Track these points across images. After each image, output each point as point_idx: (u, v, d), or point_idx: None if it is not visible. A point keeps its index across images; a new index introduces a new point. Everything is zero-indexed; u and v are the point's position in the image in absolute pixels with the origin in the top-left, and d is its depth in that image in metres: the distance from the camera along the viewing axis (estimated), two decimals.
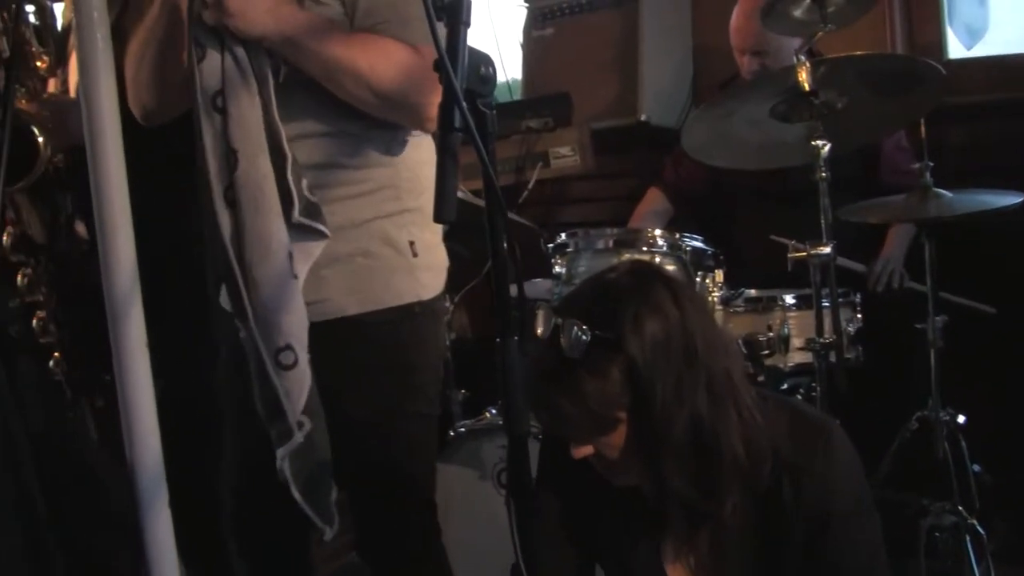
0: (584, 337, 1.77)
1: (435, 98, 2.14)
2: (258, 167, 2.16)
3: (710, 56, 4.80)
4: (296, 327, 2.18)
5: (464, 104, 1.53)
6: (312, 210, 2.20)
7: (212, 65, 2.19)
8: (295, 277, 2.18)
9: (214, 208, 2.18)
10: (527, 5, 5.02)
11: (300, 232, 2.20)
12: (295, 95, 2.26)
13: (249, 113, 2.17)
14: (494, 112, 1.64)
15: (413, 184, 2.43)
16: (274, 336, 2.17)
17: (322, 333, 2.27)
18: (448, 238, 2.61)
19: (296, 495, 2.22)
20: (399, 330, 2.40)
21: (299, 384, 2.18)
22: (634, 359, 1.78)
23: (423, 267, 2.44)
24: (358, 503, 2.50)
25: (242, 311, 2.18)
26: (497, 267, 1.65)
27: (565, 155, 4.47)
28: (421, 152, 2.46)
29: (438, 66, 1.56)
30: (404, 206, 2.41)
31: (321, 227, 2.21)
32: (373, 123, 2.33)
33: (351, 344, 2.36)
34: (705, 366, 1.83)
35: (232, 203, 2.17)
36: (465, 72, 1.57)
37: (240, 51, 2.19)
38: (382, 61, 2.21)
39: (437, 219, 1.52)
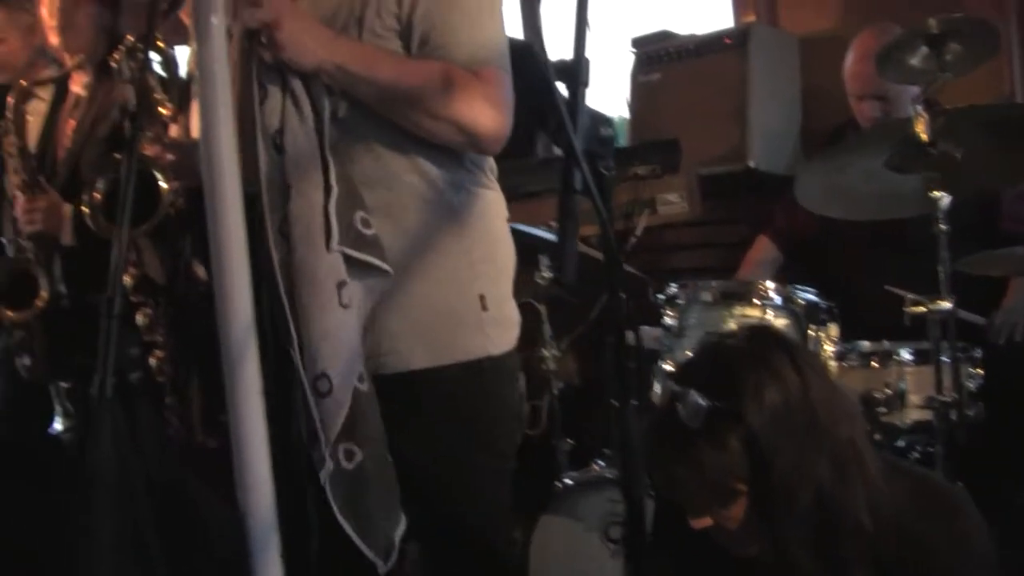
0: (703, 407, 1.74)
1: (497, 119, 2.24)
2: (311, 201, 2.21)
3: (819, 101, 4.76)
4: (335, 356, 2.20)
5: (585, 165, 1.51)
6: (362, 242, 2.23)
7: (273, 105, 2.25)
8: (344, 307, 2.20)
9: (268, 240, 2.23)
10: (635, 51, 4.99)
11: (359, 269, 2.23)
12: (360, 137, 2.31)
13: (305, 148, 2.22)
14: (613, 173, 1.62)
15: (483, 236, 2.44)
16: (314, 363, 2.20)
17: (389, 385, 2.29)
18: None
19: (340, 520, 2.23)
20: (467, 385, 2.39)
21: (334, 413, 2.20)
22: (754, 429, 1.74)
23: (493, 322, 2.43)
24: (428, 555, 2.51)
25: (288, 338, 2.21)
26: (616, 336, 1.63)
27: (673, 202, 4.43)
28: (491, 205, 2.48)
29: (556, 126, 1.54)
30: (473, 259, 2.40)
31: (374, 260, 2.23)
32: (439, 167, 2.35)
33: (418, 397, 2.37)
34: (827, 434, 1.79)
35: (286, 235, 2.22)
36: (585, 133, 1.55)
37: (298, 85, 2.24)
38: (438, 83, 2.24)
39: (560, 280, 1.52)
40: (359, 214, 2.23)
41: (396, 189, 2.33)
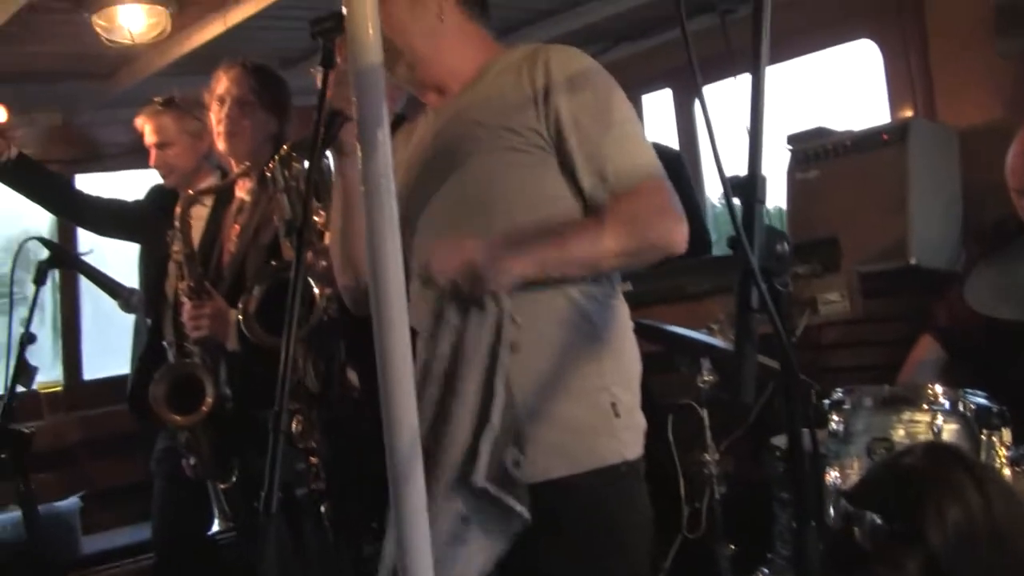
0: (881, 529, 1.66)
1: (679, 225, 2.30)
2: (462, 424, 2.22)
3: (981, 195, 4.62)
4: None
5: (762, 283, 1.47)
6: (508, 481, 2.21)
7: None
8: (462, 543, 2.21)
9: None
10: (791, 148, 4.93)
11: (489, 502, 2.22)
12: None
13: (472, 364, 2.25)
14: (790, 289, 1.57)
15: (614, 346, 2.45)
16: None
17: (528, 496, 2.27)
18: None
19: None
20: (606, 491, 2.39)
21: None
22: (935, 553, 1.66)
23: (625, 427, 2.44)
24: None
25: None
26: (793, 444, 1.57)
27: (833, 301, 4.33)
28: (620, 314, 2.50)
29: (733, 242, 1.51)
30: (604, 368, 2.42)
31: (514, 505, 2.22)
32: (581, 285, 2.40)
33: (557, 506, 2.34)
34: (1010, 549, 1.69)
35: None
36: (761, 250, 1.51)
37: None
38: (625, 228, 2.31)
39: (737, 399, 1.47)
40: (512, 452, 2.22)
41: (542, 316, 2.36)
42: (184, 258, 3.74)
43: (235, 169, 3.81)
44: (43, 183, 4.58)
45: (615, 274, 2.51)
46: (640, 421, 2.52)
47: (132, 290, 3.85)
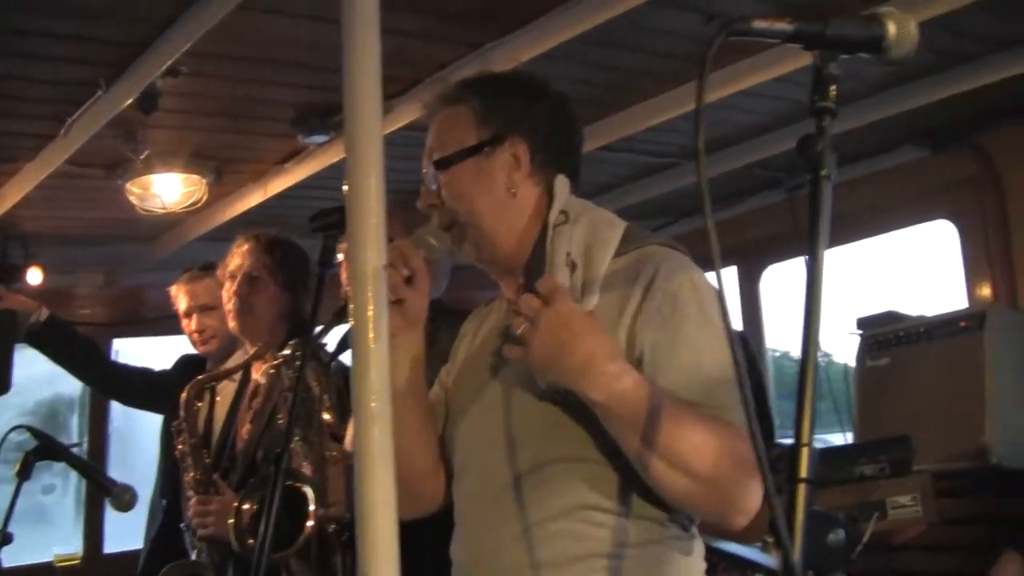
0: None
1: (754, 488, 1.82)
2: None
3: None
4: None
5: None
6: None
7: None
8: None
9: None
10: (861, 333, 4.63)
11: None
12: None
13: None
14: None
15: None
16: None
17: None
18: None
19: None
20: None
21: None
22: None
23: None
24: None
25: None
26: None
27: (905, 505, 3.98)
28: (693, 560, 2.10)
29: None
30: None
31: None
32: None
33: None
34: None
35: None
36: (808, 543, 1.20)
37: None
38: (708, 442, 1.85)
39: None
40: None
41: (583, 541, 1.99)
42: (190, 449, 3.52)
43: (249, 350, 3.59)
44: (72, 348, 4.42)
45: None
46: None
47: (125, 487, 3.60)
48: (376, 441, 1.89)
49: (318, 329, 2.42)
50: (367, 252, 1.98)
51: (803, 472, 1.23)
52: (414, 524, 2.04)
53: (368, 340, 1.93)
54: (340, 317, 2.38)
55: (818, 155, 1.32)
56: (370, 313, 1.94)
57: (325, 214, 2.28)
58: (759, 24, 1.31)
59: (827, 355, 5.50)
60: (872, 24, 1.37)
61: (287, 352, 3.04)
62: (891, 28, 1.38)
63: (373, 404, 1.89)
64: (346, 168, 2.06)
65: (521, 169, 2.14)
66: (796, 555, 1.19)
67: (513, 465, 2.04)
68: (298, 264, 3.76)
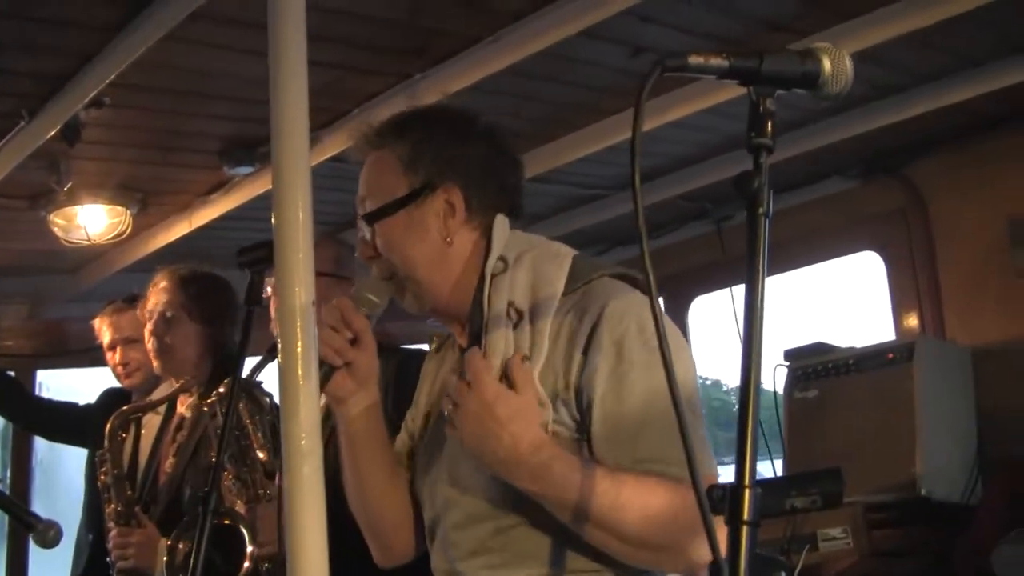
0: None
1: (701, 540, 1.76)
2: None
3: (998, 420, 4.35)
4: None
5: None
6: None
7: None
8: None
9: None
10: (788, 364, 4.64)
11: None
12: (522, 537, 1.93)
13: None
14: None
15: None
16: None
17: None
18: None
19: None
20: None
21: None
22: None
23: None
24: None
25: None
26: None
27: (836, 537, 4.00)
28: None
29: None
30: None
31: None
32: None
33: None
34: None
35: None
36: None
37: None
38: (650, 512, 1.81)
39: None
40: None
41: None
42: (112, 480, 3.47)
43: (175, 383, 3.53)
44: None
45: None
46: None
47: (49, 523, 3.50)
48: (307, 479, 1.86)
49: (251, 366, 2.36)
50: (295, 288, 1.95)
51: (746, 514, 1.21)
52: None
53: (297, 377, 1.90)
54: (274, 353, 2.33)
55: (755, 192, 1.30)
56: (299, 349, 1.92)
57: (252, 249, 2.23)
58: (695, 60, 1.29)
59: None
60: (807, 60, 1.36)
61: (222, 390, 2.99)
62: (826, 64, 1.36)
63: (303, 442, 1.86)
64: (272, 203, 2.02)
65: (456, 216, 2.05)
66: None
67: (476, 533, 1.98)
68: (219, 298, 3.71)
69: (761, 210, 1.30)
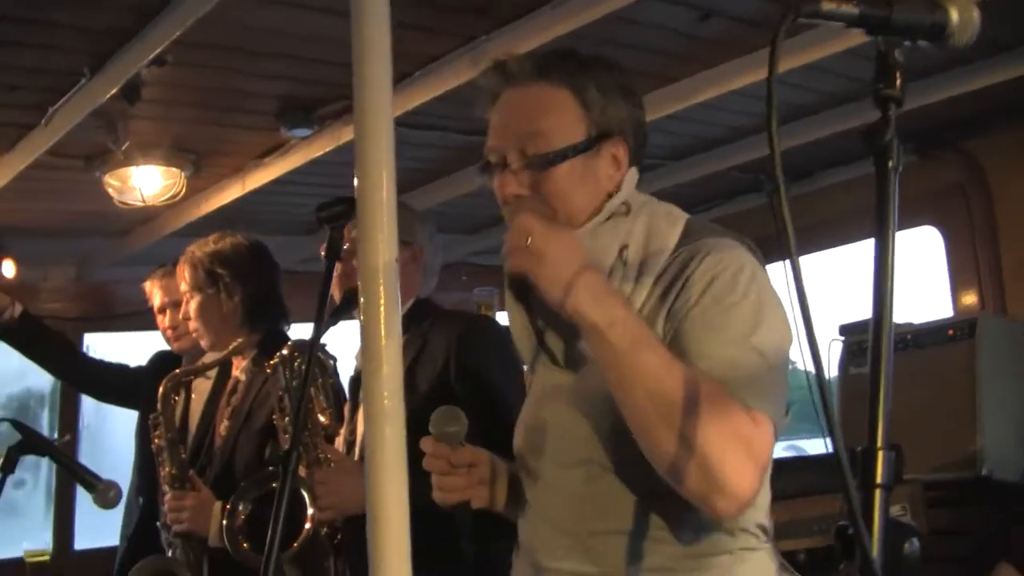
0: None
1: (749, 480, 1.75)
2: None
3: None
4: None
5: None
6: None
7: None
8: None
9: None
10: (843, 339, 4.57)
11: None
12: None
13: None
14: None
15: None
16: None
17: None
18: None
19: None
20: None
21: None
22: None
23: None
24: None
25: None
26: None
27: (896, 516, 3.93)
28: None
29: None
30: None
31: None
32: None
33: None
34: None
35: None
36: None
37: None
38: (711, 410, 1.73)
39: None
40: None
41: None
42: (167, 443, 3.47)
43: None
44: (45, 344, 4.39)
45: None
46: None
47: (110, 484, 3.50)
48: (388, 440, 1.82)
49: (315, 329, 2.33)
50: (378, 245, 1.91)
51: (879, 478, 1.17)
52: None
53: (380, 336, 1.86)
54: (341, 313, 2.29)
55: (886, 146, 1.26)
56: (381, 307, 1.87)
57: (331, 204, 2.19)
58: (827, 6, 1.24)
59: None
60: (936, 10, 1.31)
61: (284, 352, 2.96)
62: (954, 14, 1.32)
63: (386, 401, 1.82)
64: (355, 160, 1.99)
65: (620, 170, 2.01)
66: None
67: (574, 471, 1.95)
68: (245, 265, 3.70)
69: (891, 164, 1.26)
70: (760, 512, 1.96)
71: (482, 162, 2.02)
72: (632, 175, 2.03)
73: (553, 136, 1.95)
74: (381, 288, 1.88)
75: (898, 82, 1.29)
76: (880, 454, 1.18)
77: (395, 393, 1.83)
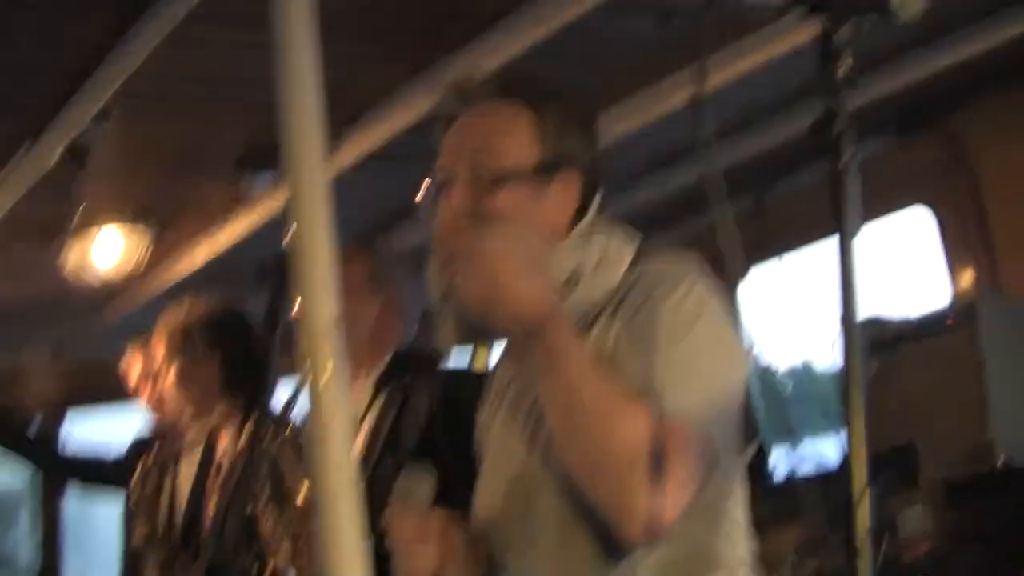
0: None
1: (648, 498, 1.60)
2: None
3: None
4: None
5: None
6: None
7: None
8: None
9: None
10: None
11: None
12: None
13: None
14: None
15: None
16: None
17: None
18: None
19: None
20: None
21: None
22: None
23: None
24: None
25: None
26: None
27: (916, 520, 3.81)
28: None
29: None
30: None
31: None
32: None
33: None
34: None
35: None
36: None
37: None
38: (627, 418, 1.63)
39: None
40: None
41: None
42: (143, 541, 3.52)
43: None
44: (23, 437, 4.48)
45: None
46: None
47: None
48: (341, 516, 1.68)
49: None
50: (320, 306, 1.78)
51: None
52: None
53: (330, 401, 1.72)
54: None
55: (837, 139, 1.13)
56: (329, 371, 1.74)
57: (266, 268, 2.08)
58: None
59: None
60: None
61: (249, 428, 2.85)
62: None
63: (336, 470, 1.68)
64: (288, 214, 1.88)
65: (568, 203, 1.90)
66: None
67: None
68: (215, 335, 3.65)
69: (844, 160, 1.14)
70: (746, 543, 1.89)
71: (428, 185, 1.91)
72: (595, 203, 1.93)
73: (505, 155, 1.86)
74: (327, 348, 1.75)
75: (847, 63, 1.15)
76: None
77: (344, 466, 1.69)
